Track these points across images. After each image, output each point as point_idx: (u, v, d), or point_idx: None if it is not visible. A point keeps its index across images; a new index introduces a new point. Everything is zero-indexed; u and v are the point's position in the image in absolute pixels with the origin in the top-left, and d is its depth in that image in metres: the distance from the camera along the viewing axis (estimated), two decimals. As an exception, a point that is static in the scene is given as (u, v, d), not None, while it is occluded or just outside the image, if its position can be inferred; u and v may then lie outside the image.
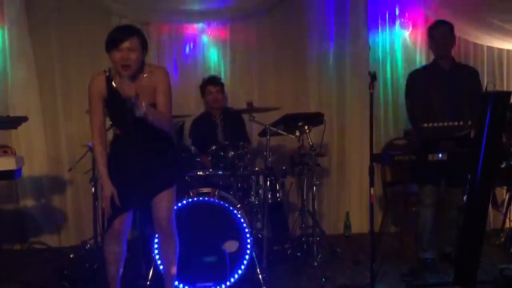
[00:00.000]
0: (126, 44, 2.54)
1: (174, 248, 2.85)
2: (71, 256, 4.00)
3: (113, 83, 2.58)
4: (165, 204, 2.75)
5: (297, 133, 3.87)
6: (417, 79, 3.67)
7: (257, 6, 4.67)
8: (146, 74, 2.66)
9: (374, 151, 2.95)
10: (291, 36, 4.79)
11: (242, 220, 3.35)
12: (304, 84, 4.81)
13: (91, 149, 3.89)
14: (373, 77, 2.77)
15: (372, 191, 2.83)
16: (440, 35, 3.57)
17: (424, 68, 3.85)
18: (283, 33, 4.78)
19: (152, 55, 4.32)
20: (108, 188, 2.66)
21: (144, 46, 2.62)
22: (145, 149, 2.62)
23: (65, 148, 4.58)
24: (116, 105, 2.62)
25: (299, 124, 3.83)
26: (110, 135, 2.88)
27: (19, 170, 2.95)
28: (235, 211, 3.37)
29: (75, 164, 4.01)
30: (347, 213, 4.80)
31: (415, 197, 3.82)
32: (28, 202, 4.52)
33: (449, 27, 3.59)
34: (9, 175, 2.90)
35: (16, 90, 4.43)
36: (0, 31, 4.43)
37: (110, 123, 2.95)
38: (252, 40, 4.74)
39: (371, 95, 2.79)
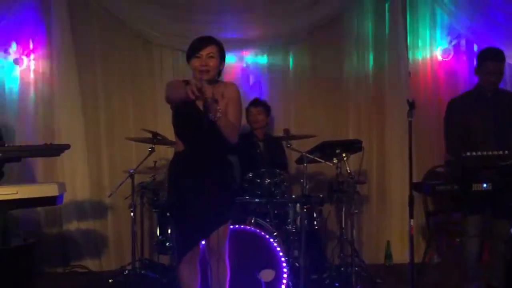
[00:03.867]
0: (205, 51, 2.63)
1: (225, 275, 2.82)
2: (109, 281, 4.04)
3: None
4: (221, 233, 2.73)
5: (335, 161, 3.82)
6: (457, 106, 3.57)
7: (295, 33, 4.71)
8: (220, 87, 2.71)
9: (415, 179, 2.88)
10: (329, 62, 4.79)
11: (278, 248, 3.31)
12: (342, 111, 4.78)
13: (131, 175, 4.00)
14: (412, 105, 2.72)
15: (412, 222, 2.74)
16: (493, 68, 3.42)
17: (466, 94, 3.74)
18: (321, 59, 4.79)
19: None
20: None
21: (222, 56, 2.70)
22: (205, 167, 2.66)
23: (107, 173, 4.68)
24: (187, 112, 2.66)
25: (337, 151, 3.79)
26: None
27: (61, 196, 3.03)
28: (272, 239, 3.34)
29: (115, 190, 4.09)
30: (388, 242, 4.67)
31: (459, 227, 3.67)
32: (71, 226, 4.61)
33: (504, 62, 3.46)
34: (52, 201, 2.97)
35: (61, 117, 4.58)
36: (48, 59, 4.62)
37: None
38: (289, 67, 4.77)
39: (410, 123, 2.74)
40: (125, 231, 4.58)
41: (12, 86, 4.61)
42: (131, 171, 3.97)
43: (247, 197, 3.66)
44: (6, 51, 4.55)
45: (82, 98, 4.62)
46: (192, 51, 2.66)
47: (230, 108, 2.69)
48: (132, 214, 4.00)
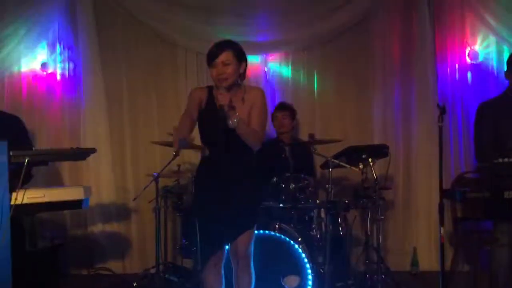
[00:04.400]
0: (220, 59, 2.59)
1: (249, 282, 2.78)
2: (134, 284, 4.05)
3: (213, 93, 2.65)
4: (245, 239, 2.70)
5: (361, 166, 3.77)
6: (488, 111, 3.47)
7: (320, 37, 4.67)
8: (243, 92, 2.68)
9: (443, 186, 2.80)
10: (355, 65, 4.73)
11: (303, 254, 3.27)
12: (368, 116, 4.71)
13: (155, 179, 4.01)
14: (443, 110, 2.64)
15: (442, 231, 2.66)
16: None
17: (496, 98, 3.64)
18: (346, 63, 4.73)
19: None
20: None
21: (240, 58, 2.64)
22: (229, 173, 2.65)
23: (131, 176, 4.70)
24: (210, 118, 2.62)
25: (363, 156, 3.73)
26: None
27: (86, 200, 3.05)
28: (296, 245, 3.30)
29: (139, 193, 4.10)
30: (415, 249, 4.57)
31: (489, 235, 3.57)
32: (96, 229, 4.65)
33: None
34: (78, 205, 2.99)
35: (87, 121, 4.62)
36: (74, 63, 4.66)
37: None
38: (314, 70, 4.73)
39: (440, 128, 2.67)
40: (149, 234, 4.60)
41: (39, 89, 4.67)
42: (156, 174, 3.98)
43: (271, 202, 3.62)
44: (33, 55, 4.61)
45: (107, 102, 4.65)
46: (208, 60, 2.63)
47: (253, 113, 2.65)
48: (156, 217, 3.98)
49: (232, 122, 2.46)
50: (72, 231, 4.67)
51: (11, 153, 2.72)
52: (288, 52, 4.75)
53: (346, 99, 4.75)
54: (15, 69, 4.60)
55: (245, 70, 2.69)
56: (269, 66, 4.76)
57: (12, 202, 2.76)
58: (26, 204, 2.82)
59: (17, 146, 2.78)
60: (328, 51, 4.74)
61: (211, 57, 2.61)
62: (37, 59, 4.64)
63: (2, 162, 2.67)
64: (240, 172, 2.68)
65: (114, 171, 4.66)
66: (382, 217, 3.85)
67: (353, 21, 4.65)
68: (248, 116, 2.64)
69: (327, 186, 3.60)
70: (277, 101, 4.59)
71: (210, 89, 2.71)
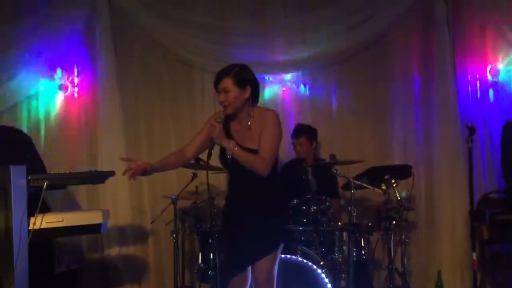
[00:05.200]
0: (220, 86, 2.63)
1: None
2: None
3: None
4: (266, 265, 2.63)
5: (383, 187, 3.68)
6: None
7: (338, 56, 4.62)
8: (254, 117, 2.67)
9: (464, 205, 2.70)
10: (373, 84, 4.67)
11: (325, 279, 3.18)
12: (388, 135, 4.63)
13: (173, 201, 3.95)
14: (472, 130, 2.56)
15: (474, 256, 2.56)
16: None
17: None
18: (365, 82, 4.67)
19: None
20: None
21: (241, 84, 2.63)
22: (249, 198, 2.65)
23: (148, 198, 4.65)
24: (219, 150, 2.69)
25: (386, 177, 3.65)
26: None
27: (105, 224, 3.00)
28: (318, 269, 3.22)
29: (157, 217, 4.05)
30: (439, 272, 4.42)
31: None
32: (112, 252, 4.58)
33: None
34: (96, 229, 2.94)
35: (104, 143, 4.57)
36: (92, 86, 4.65)
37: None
38: (332, 88, 4.68)
39: (470, 149, 2.58)
40: (166, 257, 4.53)
41: (56, 112, 4.67)
42: (173, 197, 3.93)
43: (292, 225, 3.54)
44: (51, 77, 4.62)
45: (124, 124, 4.62)
46: (214, 88, 2.69)
47: (262, 137, 2.62)
48: (174, 241, 3.92)
49: (227, 152, 2.55)
50: (88, 254, 4.60)
51: (29, 177, 2.71)
52: (305, 71, 4.70)
53: (365, 119, 4.68)
54: (33, 91, 4.60)
55: (252, 94, 2.67)
56: (286, 85, 4.72)
57: (31, 227, 2.74)
58: (44, 229, 2.79)
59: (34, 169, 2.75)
60: (346, 70, 4.68)
61: (214, 84, 2.68)
62: (55, 81, 4.64)
63: (21, 186, 2.66)
64: (258, 196, 2.66)
65: (130, 193, 4.60)
66: (407, 240, 3.73)
67: (371, 40, 4.60)
68: (259, 140, 2.62)
69: (349, 208, 3.51)
70: (294, 121, 4.53)
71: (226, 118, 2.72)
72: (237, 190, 2.74)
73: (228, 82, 2.62)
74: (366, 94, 4.67)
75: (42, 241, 3.10)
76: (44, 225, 2.80)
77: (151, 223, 4.24)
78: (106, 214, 3.01)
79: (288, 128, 4.38)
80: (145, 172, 2.68)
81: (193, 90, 4.71)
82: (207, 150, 2.66)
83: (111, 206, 4.42)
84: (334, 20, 4.59)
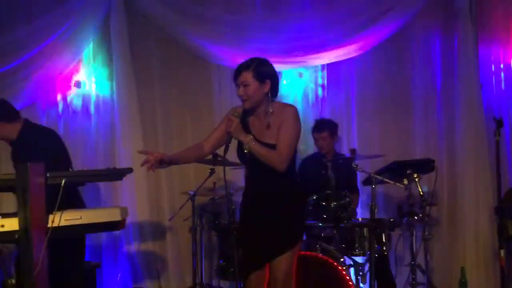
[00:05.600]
0: (240, 80, 2.59)
1: None
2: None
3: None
4: (284, 263, 2.59)
5: (405, 182, 3.59)
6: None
7: (358, 49, 4.51)
8: (273, 112, 2.62)
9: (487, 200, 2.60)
10: (394, 77, 4.57)
11: (347, 277, 3.11)
12: (409, 128, 4.53)
13: (191, 198, 3.92)
14: (499, 123, 2.48)
15: (502, 253, 2.47)
16: None
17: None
18: (385, 73, 4.58)
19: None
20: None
21: (261, 78, 2.58)
22: (266, 195, 2.62)
23: (166, 195, 4.62)
24: (237, 144, 2.65)
25: (408, 172, 3.56)
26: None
27: (123, 221, 2.97)
28: (339, 266, 3.16)
29: (175, 214, 4.04)
30: (462, 269, 4.31)
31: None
32: (131, 248, 4.57)
33: None
34: (115, 226, 2.90)
35: (122, 140, 4.54)
36: (108, 83, 4.65)
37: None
38: (352, 81, 4.59)
39: (497, 143, 2.49)
40: (185, 253, 4.52)
41: (74, 110, 4.66)
42: (191, 193, 3.91)
43: (312, 221, 3.48)
44: (68, 74, 4.60)
45: (141, 120, 4.59)
46: (233, 80, 2.65)
47: (281, 132, 2.58)
48: (193, 237, 3.89)
49: (244, 146, 2.51)
50: (107, 250, 4.61)
51: (48, 174, 2.69)
52: (324, 65, 4.62)
53: (386, 113, 4.58)
54: (50, 87, 4.59)
55: (272, 88, 2.63)
56: (306, 78, 4.65)
57: (49, 225, 2.72)
58: (63, 227, 2.76)
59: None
60: (366, 63, 4.58)
61: (234, 77, 2.64)
62: (72, 78, 4.62)
63: (39, 183, 2.64)
64: (275, 192, 2.62)
65: (149, 190, 4.59)
66: (430, 236, 3.64)
67: (393, 31, 4.48)
68: (277, 135, 2.58)
69: (370, 203, 3.43)
70: (313, 116, 4.47)
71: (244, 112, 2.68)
72: (254, 185, 2.69)
73: (247, 76, 2.57)
74: (387, 87, 4.58)
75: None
76: (62, 223, 2.77)
77: (169, 220, 4.22)
78: (124, 211, 2.98)
79: (307, 122, 4.32)
80: (163, 162, 2.63)
81: (210, 85, 4.67)
82: (224, 145, 2.62)
83: (129, 202, 4.41)
84: (355, 13, 4.49)
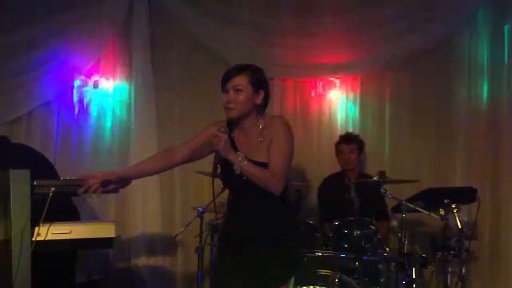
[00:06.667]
0: (232, 83, 2.27)
1: None
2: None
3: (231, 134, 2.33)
4: None
5: (442, 212, 3.20)
6: None
7: (394, 60, 4.21)
8: (261, 126, 2.31)
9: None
10: (434, 92, 4.23)
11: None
12: (448, 152, 4.17)
13: (199, 214, 3.71)
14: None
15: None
16: None
17: None
18: (424, 88, 4.24)
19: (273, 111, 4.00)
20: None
21: (257, 86, 2.29)
22: (255, 223, 2.29)
23: (179, 208, 4.43)
24: (223, 164, 2.28)
25: (445, 201, 3.18)
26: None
27: (118, 238, 2.73)
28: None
29: (181, 230, 3.83)
30: (505, 312, 3.88)
31: None
32: (139, 262, 4.39)
33: None
34: (108, 243, 2.68)
35: (137, 144, 4.40)
36: (126, 85, 4.49)
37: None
38: (386, 95, 4.28)
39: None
40: (195, 269, 4.21)
41: (91, 110, 4.52)
42: (200, 209, 3.65)
43: (331, 251, 3.14)
44: (87, 74, 4.47)
45: (158, 125, 4.41)
46: (221, 83, 2.31)
47: (271, 149, 2.25)
48: (199, 258, 3.69)
49: (235, 166, 2.18)
50: (115, 263, 4.42)
51: (34, 183, 2.46)
52: (355, 76, 4.31)
53: (422, 133, 4.23)
54: (68, 85, 4.47)
55: (263, 101, 2.31)
56: (332, 91, 4.35)
57: (34, 238, 2.49)
58: (49, 241, 2.55)
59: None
60: (402, 76, 4.26)
61: (224, 80, 2.31)
62: (91, 78, 4.49)
63: (24, 192, 2.41)
64: (260, 224, 2.28)
65: (162, 201, 4.39)
66: (469, 277, 3.22)
67: (433, 43, 4.15)
68: (268, 152, 2.26)
69: (399, 234, 3.06)
70: (339, 131, 4.18)
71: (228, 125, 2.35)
72: (241, 211, 2.33)
73: (243, 79, 2.26)
74: (424, 104, 4.24)
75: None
76: (49, 237, 2.57)
77: (175, 237, 4.00)
78: (119, 227, 2.75)
79: (331, 136, 4.10)
80: (108, 182, 2.33)
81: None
82: (212, 163, 2.26)
83: (140, 214, 4.30)
84: (390, 20, 4.18)
